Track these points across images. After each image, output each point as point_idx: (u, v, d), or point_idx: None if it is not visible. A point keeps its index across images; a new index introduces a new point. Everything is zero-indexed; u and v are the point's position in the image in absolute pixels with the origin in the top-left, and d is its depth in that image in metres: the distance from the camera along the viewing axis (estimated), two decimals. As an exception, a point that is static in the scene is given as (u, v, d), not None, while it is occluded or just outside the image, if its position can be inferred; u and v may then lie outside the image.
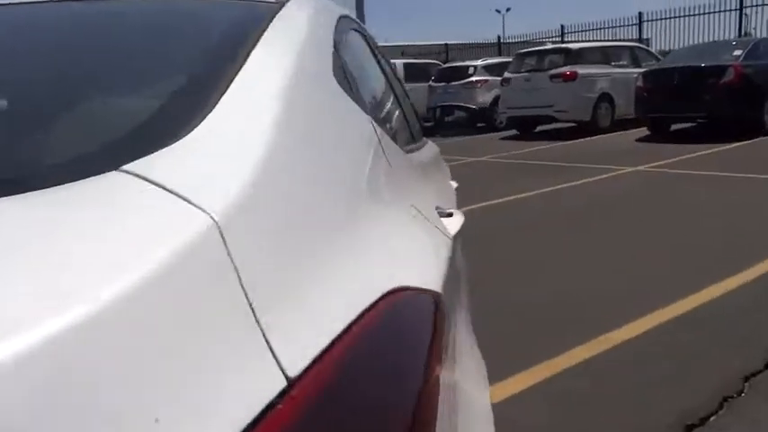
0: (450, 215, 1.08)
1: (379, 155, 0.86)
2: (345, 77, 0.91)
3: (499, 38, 20.95)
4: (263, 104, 0.62)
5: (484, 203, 5.69)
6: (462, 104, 2.89)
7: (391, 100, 1.65)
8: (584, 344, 2.61)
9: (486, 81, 13.09)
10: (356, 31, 1.50)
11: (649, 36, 17.39)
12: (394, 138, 1.24)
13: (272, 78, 0.67)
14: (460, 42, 22.30)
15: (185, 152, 0.52)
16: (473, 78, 13.18)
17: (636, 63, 11.46)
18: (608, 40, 15.11)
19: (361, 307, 0.50)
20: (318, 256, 0.53)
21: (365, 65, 1.38)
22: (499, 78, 12.20)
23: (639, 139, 9.62)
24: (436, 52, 21.94)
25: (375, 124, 0.92)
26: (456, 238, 0.99)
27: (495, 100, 12.70)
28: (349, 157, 0.74)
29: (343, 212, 0.65)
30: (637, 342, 2.61)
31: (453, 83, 13.25)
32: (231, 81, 0.64)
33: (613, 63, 11.32)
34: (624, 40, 15.21)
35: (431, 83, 13.85)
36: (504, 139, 11.43)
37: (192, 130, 0.55)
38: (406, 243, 0.73)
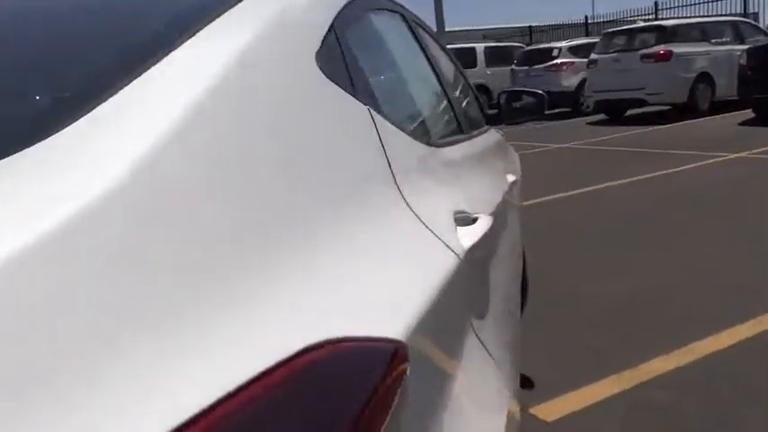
0: (474, 221, 0.89)
1: (369, 151, 0.71)
2: (343, 62, 0.76)
3: (586, 18, 19.97)
4: (168, 106, 0.49)
5: (567, 193, 5.37)
6: (530, 89, 2.65)
7: (428, 88, 1.47)
8: (666, 354, 2.33)
9: (572, 63, 12.48)
10: (389, 11, 1.35)
11: (757, 10, 16.01)
12: (418, 131, 1.07)
13: (201, 71, 0.54)
14: (545, 24, 21.47)
15: (15, 172, 0.41)
16: (558, 61, 12.61)
17: (740, 39, 10.51)
18: (707, 16, 14.01)
19: (228, 388, 0.35)
20: (197, 311, 0.39)
21: (393, 49, 1.21)
22: (585, 60, 11.60)
23: (743, 123, 8.83)
24: (519, 35, 21.24)
25: (376, 116, 0.76)
26: (474, 249, 0.81)
27: (582, 83, 12.12)
28: (309, 158, 0.60)
29: (283, 234, 0.51)
30: (727, 354, 2.30)
31: (537, 66, 12.74)
32: (141, 74, 0.52)
33: (713, 40, 10.44)
34: (727, 15, 14.05)
35: (513, 66, 13.39)
36: (591, 124, 10.87)
37: (44, 142, 0.43)
38: (380, 267, 0.57)
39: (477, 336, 0.75)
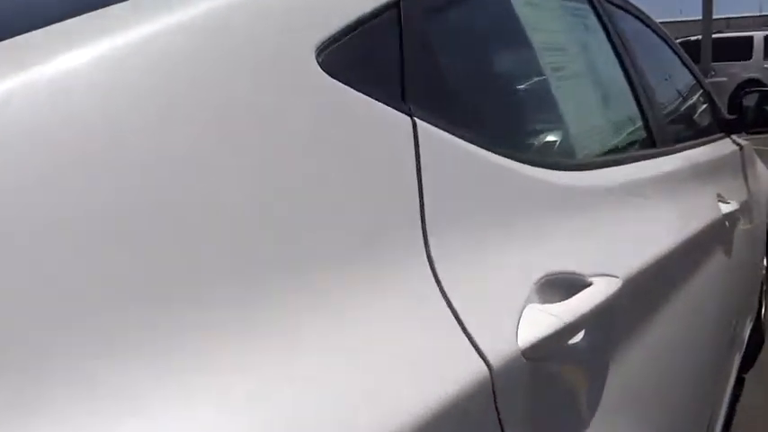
0: (586, 286, 0.61)
1: (381, 181, 0.49)
2: (397, 56, 0.56)
3: None
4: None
5: None
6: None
7: (597, 90, 1.16)
8: None
9: None
10: None
11: None
12: (539, 150, 0.81)
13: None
14: None
15: None
16: None
17: None
18: None
19: None
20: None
21: (545, 38, 0.94)
22: None
23: None
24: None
25: (428, 130, 0.54)
26: (564, 334, 0.54)
27: None
28: (255, 185, 0.41)
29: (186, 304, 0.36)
30: None
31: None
32: None
33: None
34: None
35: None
36: None
37: None
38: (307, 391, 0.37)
39: None
